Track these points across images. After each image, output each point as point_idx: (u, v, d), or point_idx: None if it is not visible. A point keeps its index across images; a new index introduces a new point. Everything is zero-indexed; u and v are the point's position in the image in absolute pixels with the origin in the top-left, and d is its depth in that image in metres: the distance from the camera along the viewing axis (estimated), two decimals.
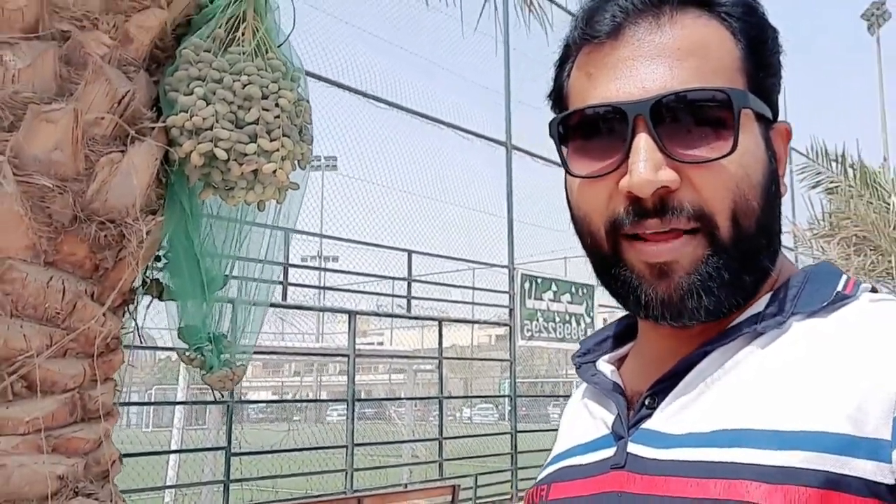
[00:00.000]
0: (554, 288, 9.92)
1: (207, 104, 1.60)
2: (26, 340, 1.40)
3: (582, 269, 12.19)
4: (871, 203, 8.93)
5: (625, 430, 0.68)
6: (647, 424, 0.66)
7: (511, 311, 9.41)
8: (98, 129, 1.48)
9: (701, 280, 0.63)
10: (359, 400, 10.30)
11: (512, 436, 9.82)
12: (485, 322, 10.38)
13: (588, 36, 0.68)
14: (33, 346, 1.41)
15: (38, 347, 1.42)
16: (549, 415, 22.98)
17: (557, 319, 9.87)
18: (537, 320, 9.59)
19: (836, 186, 9.25)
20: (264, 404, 20.15)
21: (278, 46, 1.75)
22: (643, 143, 0.62)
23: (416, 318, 9.21)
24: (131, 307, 1.75)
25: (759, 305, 0.66)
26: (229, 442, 7.06)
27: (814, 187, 9.76)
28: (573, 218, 0.71)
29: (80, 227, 1.46)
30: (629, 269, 0.66)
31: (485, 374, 18.53)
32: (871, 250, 8.88)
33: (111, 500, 1.56)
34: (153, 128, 1.58)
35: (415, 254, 8.73)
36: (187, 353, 1.76)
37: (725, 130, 0.63)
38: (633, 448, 0.66)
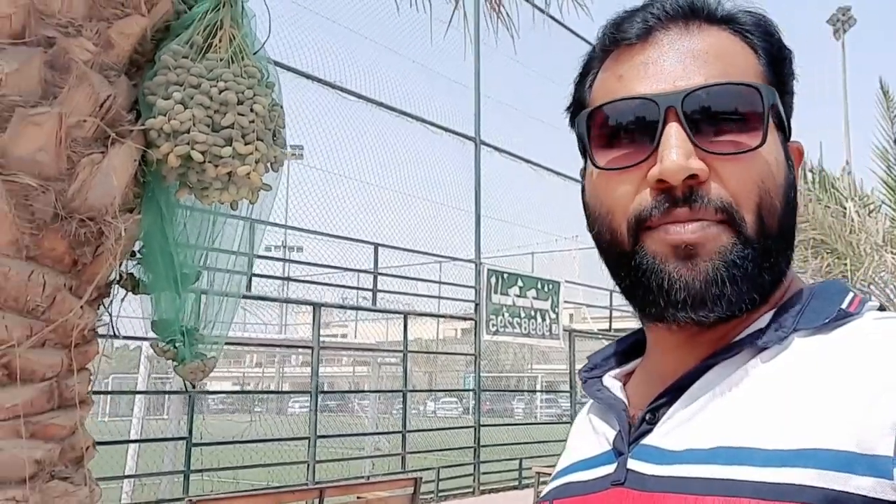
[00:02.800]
0: (520, 283, 10.04)
1: (185, 108, 1.67)
2: (8, 331, 1.47)
3: (548, 266, 12.36)
4: (829, 207, 9.19)
5: (625, 445, 0.68)
6: (647, 440, 0.66)
7: (476, 305, 9.51)
8: (80, 131, 1.55)
9: (726, 266, 0.63)
10: (322, 392, 10.33)
11: (475, 429, 9.94)
12: (450, 316, 10.48)
13: (618, 39, 0.69)
14: (14, 337, 1.48)
15: (18, 338, 1.48)
16: (513, 409, 23.17)
17: (523, 315, 9.99)
18: (503, 315, 9.69)
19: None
20: (225, 395, 19.96)
21: (254, 54, 1.83)
22: (674, 132, 0.63)
23: (381, 311, 9.26)
24: (107, 300, 1.82)
25: (762, 321, 0.66)
26: (190, 432, 7.06)
27: None
28: (591, 216, 0.71)
29: (62, 225, 1.53)
30: (651, 256, 0.65)
31: (449, 368, 18.64)
32: (827, 253, 9.14)
33: (85, 484, 1.64)
34: (132, 130, 1.65)
35: (381, 247, 8.78)
36: (161, 345, 1.83)
37: (754, 125, 0.64)
38: (632, 464, 0.66)
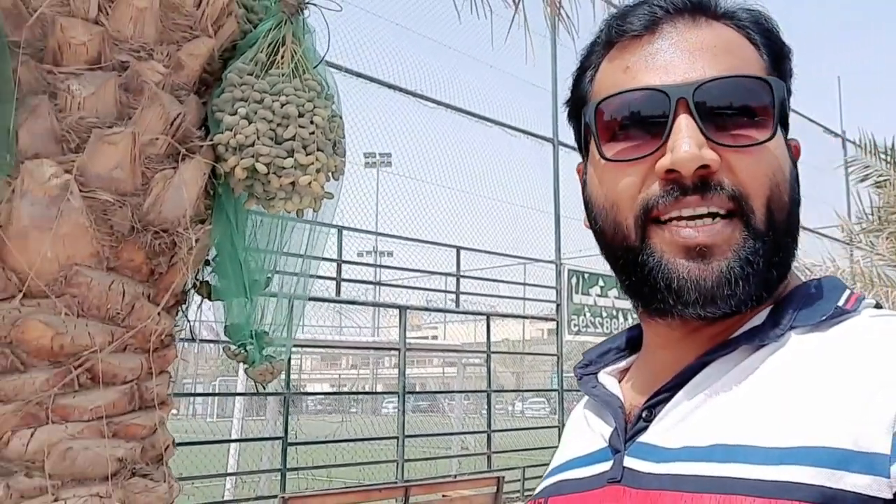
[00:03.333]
0: (601, 283, 9.91)
1: (249, 123, 1.75)
2: (90, 337, 1.58)
3: None
4: None
5: (621, 443, 0.68)
6: (644, 438, 0.66)
7: (558, 306, 9.46)
8: (153, 148, 1.65)
9: (740, 265, 0.62)
10: (409, 393, 10.50)
11: (559, 429, 9.89)
12: (532, 317, 10.45)
13: (624, 30, 0.69)
14: (97, 343, 1.59)
15: (100, 344, 1.60)
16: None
17: (605, 314, 9.87)
18: (584, 315, 9.61)
19: (885, 180, 8.95)
20: (322, 396, 20.55)
21: (314, 67, 1.90)
22: (685, 123, 0.63)
23: (464, 312, 9.35)
24: (184, 307, 1.93)
25: (759, 318, 0.66)
26: (286, 432, 7.32)
27: (862, 181, 9.45)
28: (594, 210, 0.70)
29: (138, 237, 1.64)
30: (659, 254, 0.64)
31: (537, 369, 18.58)
32: None
33: (164, 481, 1.74)
34: (202, 146, 1.74)
35: (463, 250, 8.86)
36: (232, 349, 1.93)
37: (763, 118, 0.64)
38: (629, 462, 0.66)
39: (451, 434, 11.69)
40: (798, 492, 0.53)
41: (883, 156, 9.04)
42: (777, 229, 0.64)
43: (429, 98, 8.51)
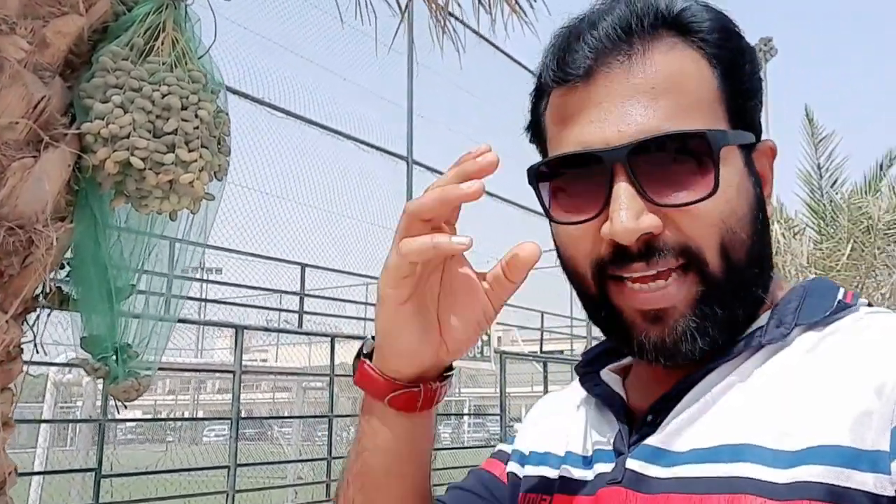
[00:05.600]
0: None
1: (125, 112, 1.59)
2: None
3: None
4: None
5: (625, 445, 0.67)
6: (649, 441, 0.65)
7: None
8: (12, 133, 1.45)
9: (696, 322, 0.62)
10: (244, 419, 10.02)
11: None
12: None
13: (559, 79, 0.66)
14: None
15: None
16: (440, 433, 23.04)
17: None
18: None
19: None
20: (135, 424, 19.14)
21: (199, 58, 1.77)
22: (623, 191, 0.61)
23: (307, 333, 9.06)
24: (32, 316, 1.70)
25: (761, 320, 0.66)
26: (100, 463, 6.69)
27: None
28: (559, 257, 0.70)
29: None
30: (620, 314, 0.65)
31: None
32: None
33: None
34: (66, 134, 1.56)
35: (308, 268, 8.61)
36: (91, 364, 1.72)
37: (706, 170, 0.61)
38: (631, 464, 0.65)
39: (290, 462, 11.25)
40: (807, 490, 0.54)
41: None
42: (736, 269, 0.63)
43: (274, 106, 8.18)
